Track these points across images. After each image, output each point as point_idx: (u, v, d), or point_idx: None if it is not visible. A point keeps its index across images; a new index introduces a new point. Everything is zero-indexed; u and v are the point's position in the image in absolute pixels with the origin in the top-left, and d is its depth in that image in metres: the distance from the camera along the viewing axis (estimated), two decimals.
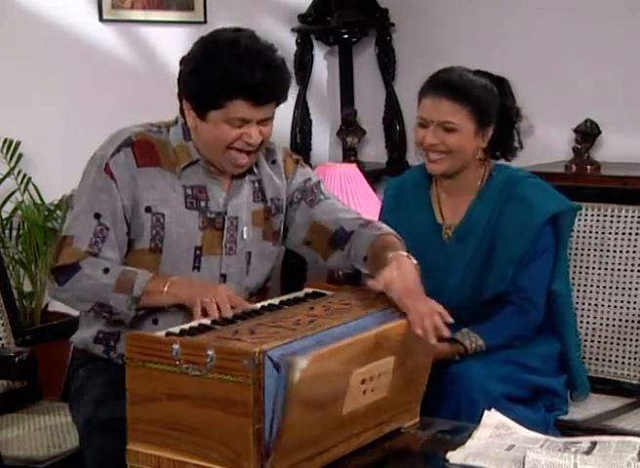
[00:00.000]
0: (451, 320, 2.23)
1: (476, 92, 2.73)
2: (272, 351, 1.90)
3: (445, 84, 2.73)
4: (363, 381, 2.06)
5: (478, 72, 2.80)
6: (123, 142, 2.43)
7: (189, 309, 2.30)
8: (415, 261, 2.32)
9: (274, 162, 2.57)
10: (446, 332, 2.21)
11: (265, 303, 2.33)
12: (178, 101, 2.47)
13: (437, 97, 2.72)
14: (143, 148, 2.43)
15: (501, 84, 2.82)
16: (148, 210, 2.41)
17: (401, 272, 2.25)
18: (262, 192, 2.54)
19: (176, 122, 2.50)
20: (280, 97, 2.41)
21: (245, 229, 2.49)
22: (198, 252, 2.44)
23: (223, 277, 2.46)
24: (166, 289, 2.33)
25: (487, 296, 2.74)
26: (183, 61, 2.42)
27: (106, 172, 2.40)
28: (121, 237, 2.41)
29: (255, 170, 2.53)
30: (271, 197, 2.54)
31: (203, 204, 2.45)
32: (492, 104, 2.76)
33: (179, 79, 2.43)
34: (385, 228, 2.52)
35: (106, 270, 2.35)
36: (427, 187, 2.87)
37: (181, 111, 2.46)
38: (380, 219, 2.92)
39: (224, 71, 2.31)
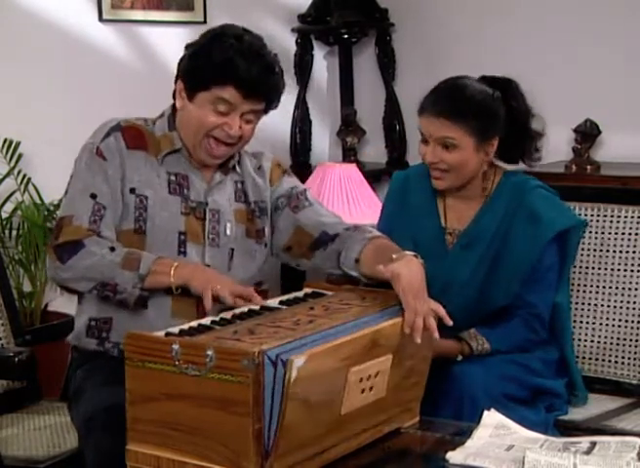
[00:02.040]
0: (450, 323, 2.25)
1: (476, 106, 2.65)
2: (272, 351, 1.90)
3: (442, 101, 2.67)
4: (360, 380, 2.06)
5: (482, 78, 2.74)
6: (112, 128, 2.49)
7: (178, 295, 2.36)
8: (422, 261, 2.33)
9: (260, 168, 2.61)
10: (435, 334, 2.22)
11: (265, 303, 2.33)
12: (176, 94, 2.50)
13: (434, 114, 2.66)
14: (132, 133, 2.49)
15: (508, 86, 2.75)
16: (132, 191, 2.45)
17: (409, 269, 2.27)
18: (245, 193, 2.57)
19: (162, 115, 2.55)
20: (270, 100, 2.45)
21: (228, 225, 2.51)
22: (183, 237, 2.46)
23: (207, 267, 2.47)
24: (173, 270, 2.34)
25: (491, 309, 2.71)
26: (188, 46, 2.48)
27: (98, 155, 2.45)
28: (117, 216, 2.44)
29: (238, 169, 2.57)
30: (254, 199, 2.57)
31: (185, 191, 2.49)
32: (495, 116, 2.69)
33: (179, 61, 2.48)
34: (376, 231, 2.53)
35: (112, 248, 2.37)
36: (433, 187, 2.80)
37: (174, 94, 2.50)
38: (381, 214, 2.93)
39: (223, 58, 2.38)
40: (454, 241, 2.78)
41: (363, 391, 2.08)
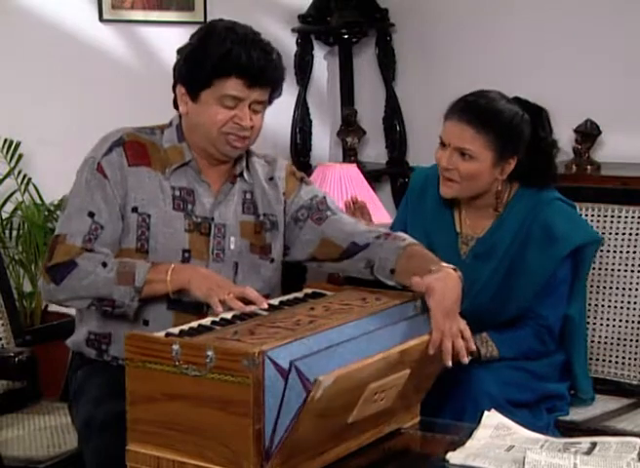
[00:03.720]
0: (474, 348, 2.26)
1: (501, 121, 2.63)
2: (273, 352, 1.90)
3: (470, 108, 2.65)
4: (375, 393, 2.05)
5: (515, 99, 2.71)
6: (114, 142, 2.44)
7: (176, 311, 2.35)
8: (460, 274, 2.29)
9: (272, 179, 2.54)
10: (464, 360, 2.22)
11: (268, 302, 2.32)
12: (173, 91, 2.47)
13: (459, 121, 2.64)
14: (134, 148, 2.44)
15: (539, 114, 2.73)
16: (135, 210, 2.41)
17: (445, 286, 2.22)
18: (254, 205, 2.51)
19: (170, 124, 2.50)
20: (274, 84, 2.41)
21: (232, 239, 2.47)
22: (187, 255, 2.42)
23: None
24: (168, 277, 2.32)
25: (502, 320, 2.70)
26: (180, 50, 2.45)
27: (99, 171, 2.40)
28: (116, 235, 2.40)
29: (246, 176, 2.51)
30: (264, 212, 2.52)
31: (190, 207, 2.44)
32: (518, 136, 2.66)
33: (174, 68, 2.45)
34: (410, 239, 2.46)
35: (104, 264, 2.34)
36: None
37: (174, 102, 2.46)
38: (399, 210, 2.93)
39: (220, 50, 2.34)
40: (468, 249, 2.76)
41: (374, 402, 2.08)
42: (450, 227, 2.78)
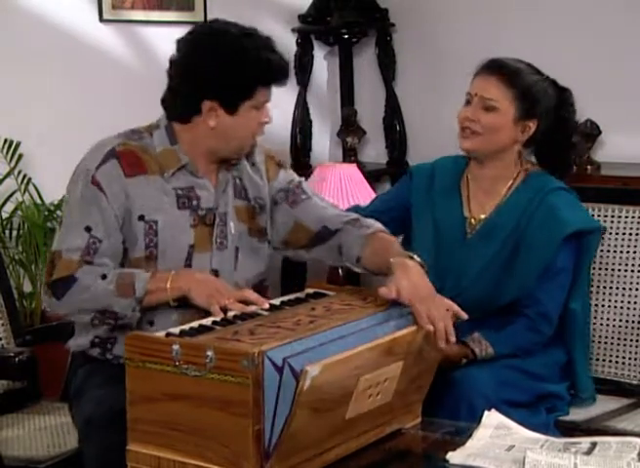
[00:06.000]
0: (465, 317, 2.27)
1: (526, 80, 2.75)
2: (272, 352, 1.90)
3: (499, 65, 2.79)
4: (369, 387, 2.06)
5: (547, 78, 2.82)
6: (108, 153, 2.41)
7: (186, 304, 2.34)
8: (418, 260, 2.32)
9: (254, 164, 2.57)
10: (452, 338, 2.23)
11: (269, 302, 2.32)
12: (186, 106, 2.44)
13: (487, 75, 2.77)
14: (128, 157, 2.42)
15: (563, 94, 2.83)
16: (142, 218, 2.40)
17: (409, 277, 2.26)
18: (245, 190, 2.54)
19: (157, 126, 2.48)
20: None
21: (232, 224, 2.49)
22: (191, 250, 2.43)
23: (215, 272, 2.45)
24: (169, 285, 2.33)
25: (503, 302, 2.72)
26: (200, 63, 2.40)
27: (94, 184, 2.38)
28: (115, 247, 2.39)
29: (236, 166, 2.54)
30: (254, 196, 2.55)
31: (195, 202, 2.45)
32: (541, 100, 2.75)
33: (196, 81, 2.40)
34: (375, 225, 2.52)
35: (104, 276, 2.34)
36: (458, 177, 2.85)
37: (190, 113, 2.42)
38: (393, 188, 3.03)
39: (261, 61, 2.37)
40: (473, 230, 2.79)
41: (370, 396, 2.08)
42: (458, 212, 2.82)
